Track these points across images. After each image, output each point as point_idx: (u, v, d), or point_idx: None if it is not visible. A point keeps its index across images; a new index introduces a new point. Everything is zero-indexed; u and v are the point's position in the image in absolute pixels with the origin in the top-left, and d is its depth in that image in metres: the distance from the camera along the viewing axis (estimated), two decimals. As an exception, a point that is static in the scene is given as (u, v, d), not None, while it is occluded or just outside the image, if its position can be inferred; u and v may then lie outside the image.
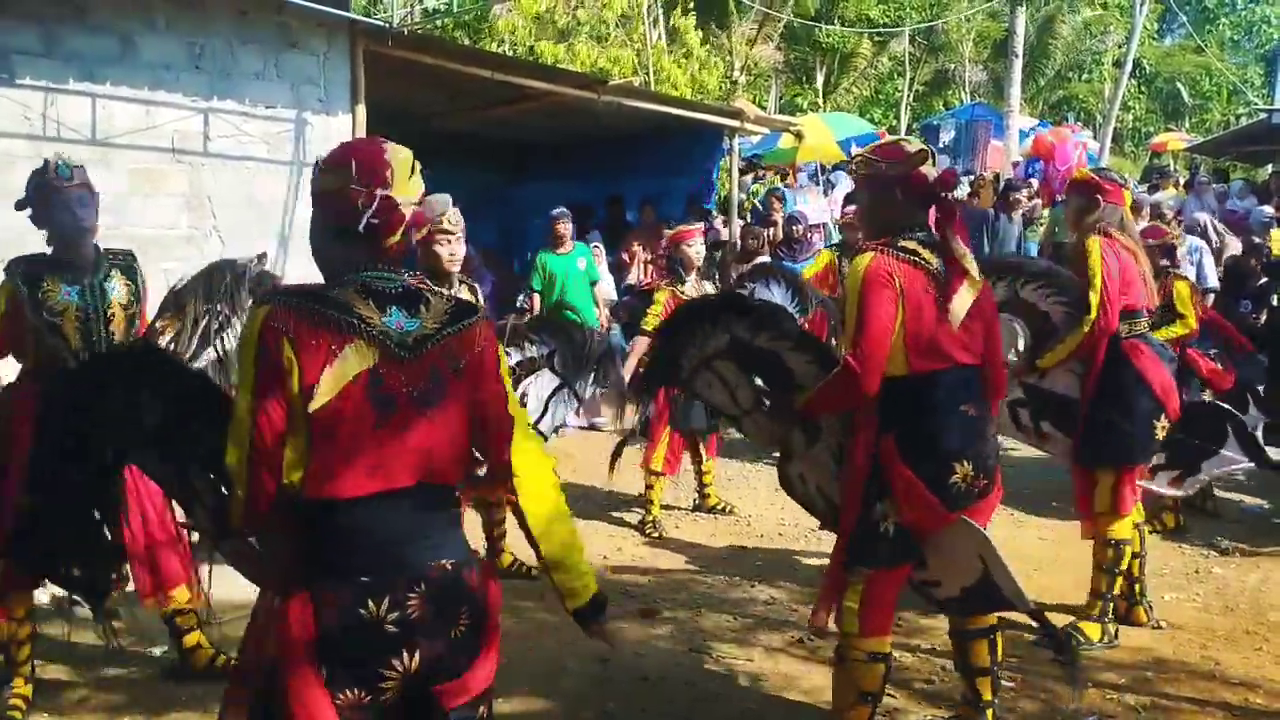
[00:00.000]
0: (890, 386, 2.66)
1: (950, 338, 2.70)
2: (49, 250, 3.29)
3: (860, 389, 2.62)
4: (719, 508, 5.82)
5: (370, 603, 1.70)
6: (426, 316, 1.82)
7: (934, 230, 2.75)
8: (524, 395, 4.00)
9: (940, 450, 2.70)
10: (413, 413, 1.77)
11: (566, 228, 7.57)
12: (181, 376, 2.15)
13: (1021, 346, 3.94)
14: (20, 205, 3.26)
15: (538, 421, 3.98)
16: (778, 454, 3.06)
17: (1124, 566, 3.86)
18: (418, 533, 1.78)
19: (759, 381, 2.99)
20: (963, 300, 2.69)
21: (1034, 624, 2.72)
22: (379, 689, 1.73)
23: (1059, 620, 3.70)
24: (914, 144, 2.81)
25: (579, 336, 4.15)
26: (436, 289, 1.92)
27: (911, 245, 2.70)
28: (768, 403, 2.99)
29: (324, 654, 1.69)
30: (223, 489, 1.92)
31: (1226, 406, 4.13)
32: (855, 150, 5.94)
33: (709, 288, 5.60)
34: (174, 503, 2.27)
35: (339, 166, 1.82)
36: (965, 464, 2.70)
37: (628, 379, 4.47)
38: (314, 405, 1.69)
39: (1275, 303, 6.79)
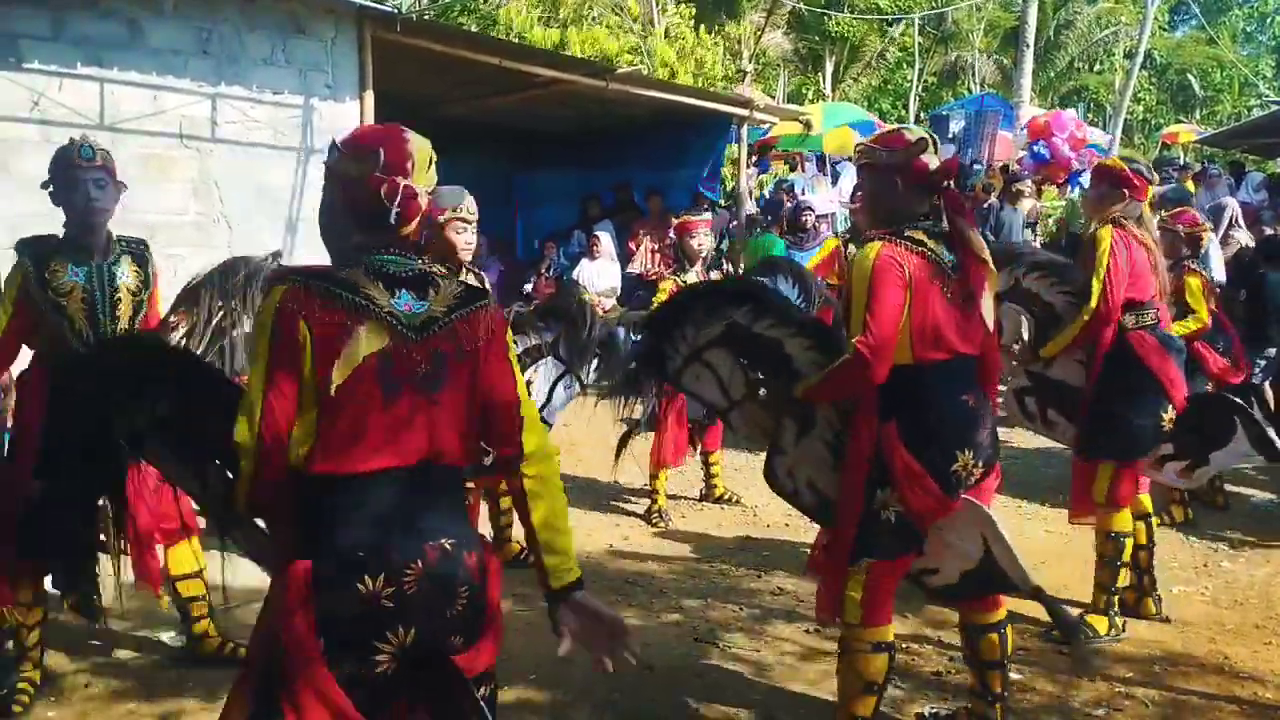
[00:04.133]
0: (893, 374, 2.64)
1: (954, 328, 2.69)
2: (61, 233, 3.28)
3: (870, 376, 2.61)
4: (725, 498, 5.82)
5: (366, 578, 1.72)
6: (435, 299, 1.84)
7: (944, 219, 2.73)
8: (528, 383, 3.99)
9: (942, 440, 2.70)
10: (418, 394, 1.79)
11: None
12: (191, 368, 2.16)
13: (1025, 335, 3.93)
14: (44, 185, 3.26)
15: (541, 408, 3.97)
16: (767, 448, 2.99)
17: (1125, 559, 3.85)
18: (418, 512, 1.79)
19: (753, 370, 2.95)
20: (989, 302, 2.70)
21: (1041, 606, 2.70)
22: (373, 661, 1.75)
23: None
24: (915, 132, 2.78)
25: (582, 323, 4.14)
26: (447, 273, 1.93)
27: (918, 235, 2.68)
28: (762, 391, 2.95)
29: (320, 626, 1.71)
30: (229, 474, 1.93)
31: (1235, 399, 4.08)
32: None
33: (714, 278, 5.57)
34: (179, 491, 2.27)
35: (364, 153, 1.84)
36: (966, 453, 2.70)
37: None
38: (330, 386, 1.71)
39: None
